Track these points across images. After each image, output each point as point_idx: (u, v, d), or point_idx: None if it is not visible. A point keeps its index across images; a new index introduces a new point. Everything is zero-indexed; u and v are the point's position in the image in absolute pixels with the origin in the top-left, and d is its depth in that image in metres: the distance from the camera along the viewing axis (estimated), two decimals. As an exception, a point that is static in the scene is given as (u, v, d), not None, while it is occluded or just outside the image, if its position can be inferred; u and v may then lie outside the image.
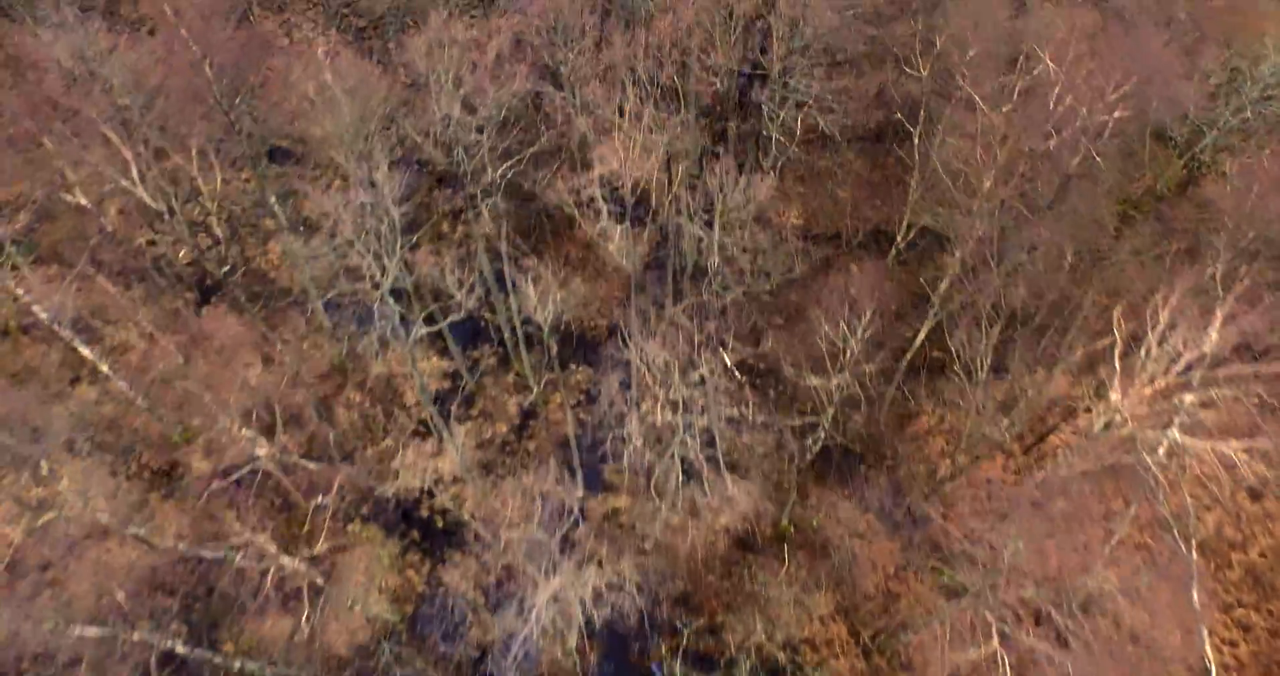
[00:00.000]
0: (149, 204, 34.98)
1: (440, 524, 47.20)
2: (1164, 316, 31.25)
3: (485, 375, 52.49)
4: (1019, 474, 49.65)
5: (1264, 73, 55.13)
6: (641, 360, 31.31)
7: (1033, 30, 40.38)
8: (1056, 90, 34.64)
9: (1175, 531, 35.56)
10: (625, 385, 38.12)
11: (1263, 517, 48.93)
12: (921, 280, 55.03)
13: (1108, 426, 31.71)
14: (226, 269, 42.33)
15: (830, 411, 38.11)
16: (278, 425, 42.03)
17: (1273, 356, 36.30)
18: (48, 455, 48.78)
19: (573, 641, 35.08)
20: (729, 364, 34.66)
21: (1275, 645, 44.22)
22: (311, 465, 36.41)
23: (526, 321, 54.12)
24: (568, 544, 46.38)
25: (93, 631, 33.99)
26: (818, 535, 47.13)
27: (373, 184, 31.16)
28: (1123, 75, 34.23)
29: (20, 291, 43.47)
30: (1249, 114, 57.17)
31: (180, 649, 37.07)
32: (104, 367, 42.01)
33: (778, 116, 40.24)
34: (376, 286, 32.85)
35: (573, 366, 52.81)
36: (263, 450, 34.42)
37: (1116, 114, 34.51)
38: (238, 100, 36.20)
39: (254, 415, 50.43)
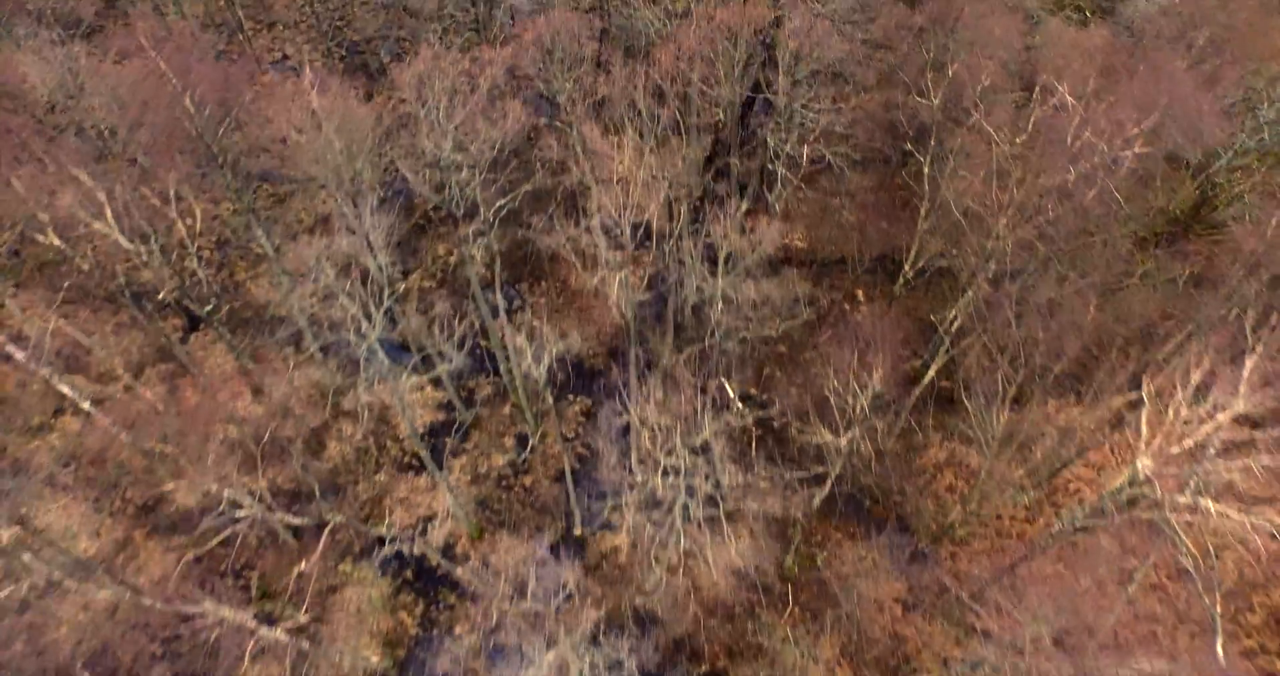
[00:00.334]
0: (125, 245, 33.54)
1: (435, 562, 45.71)
2: (1195, 375, 29.71)
3: (482, 406, 51.00)
4: (1030, 510, 48.26)
5: (1280, 94, 53.74)
6: (641, 421, 29.88)
7: (1049, 60, 38.78)
8: (1074, 124, 33.12)
9: (1199, 584, 34.11)
10: (625, 455, 36.64)
11: (1285, 558, 47.56)
12: (931, 313, 53.73)
13: (1132, 490, 30.13)
14: (209, 308, 40.83)
15: (838, 466, 36.63)
16: (263, 473, 40.39)
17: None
18: (28, 491, 47.50)
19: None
20: (733, 424, 33.16)
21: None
22: (295, 520, 34.90)
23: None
24: (566, 589, 45.13)
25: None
26: (822, 573, 45.71)
27: (353, 232, 29.72)
28: (1143, 110, 32.75)
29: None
30: (1266, 135, 55.78)
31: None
32: (85, 406, 40.47)
33: (783, 151, 38.76)
34: (362, 336, 31.38)
35: (571, 397, 51.36)
36: (244, 510, 32.89)
37: (1137, 149, 33.01)
38: (220, 132, 34.70)
39: (240, 449, 49.55)
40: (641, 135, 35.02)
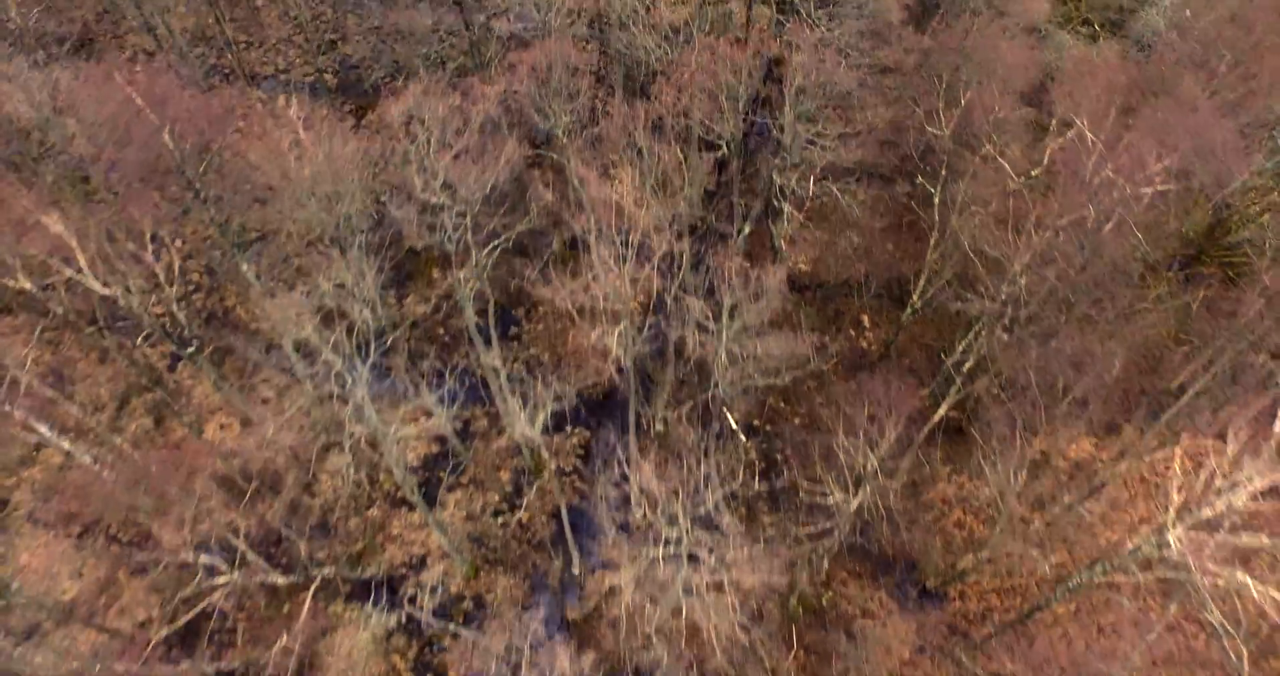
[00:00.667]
0: (100, 290, 32.17)
1: (429, 603, 44.34)
2: (1230, 449, 28.25)
3: (477, 438, 49.61)
4: (1042, 547, 46.87)
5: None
6: (640, 490, 28.48)
7: (1065, 90, 37.27)
8: (1093, 160, 31.72)
9: (1224, 642, 32.70)
10: (624, 504, 35.23)
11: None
12: (940, 341, 52.32)
13: (1158, 554, 28.63)
14: (191, 349, 39.44)
15: (846, 525, 35.24)
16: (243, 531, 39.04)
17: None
18: (9, 528, 46.11)
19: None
20: (738, 491, 31.78)
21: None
22: (280, 580, 33.51)
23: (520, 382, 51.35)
24: (563, 626, 43.77)
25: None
26: (828, 614, 44.38)
27: (341, 286, 28.37)
28: (1165, 145, 31.34)
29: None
30: (1282, 157, 54.46)
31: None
32: (65, 446, 39.05)
33: (788, 189, 37.33)
34: (345, 393, 30.01)
35: (569, 429, 49.96)
36: (222, 577, 31.46)
37: (1158, 186, 31.61)
38: (202, 169, 33.27)
39: (228, 484, 48.15)
40: (641, 174, 33.60)
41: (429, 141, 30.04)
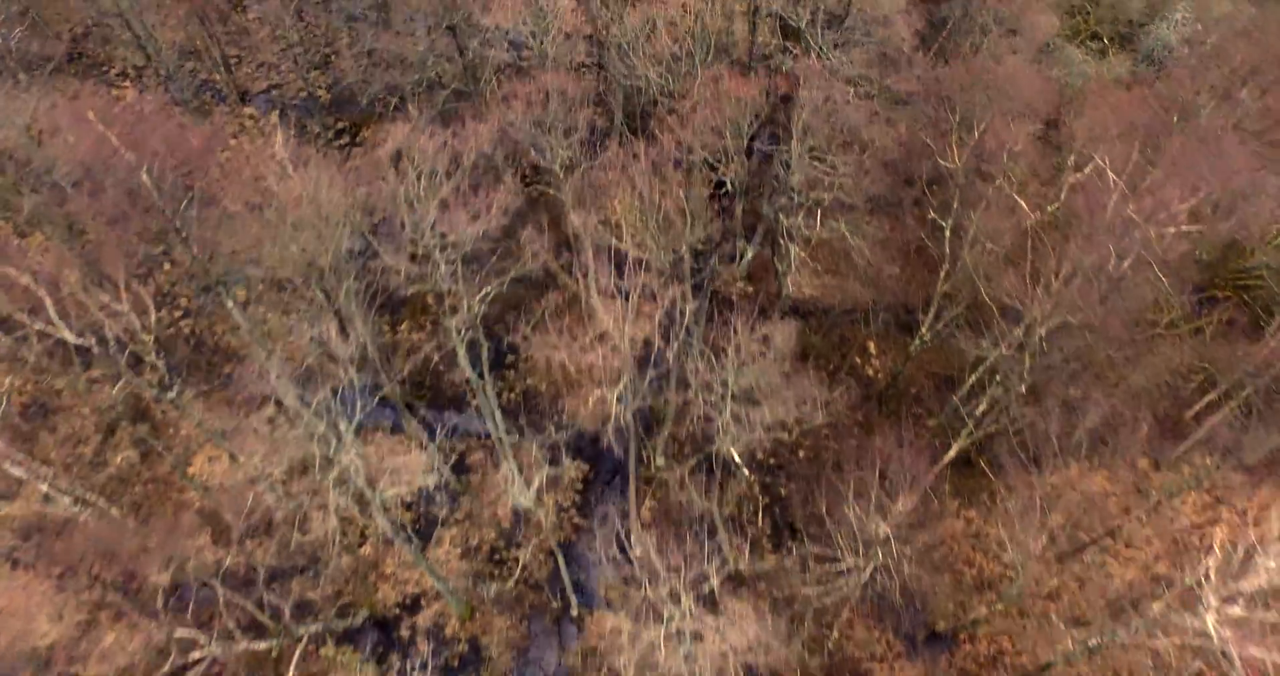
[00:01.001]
0: (71, 341, 30.83)
1: (423, 645, 42.95)
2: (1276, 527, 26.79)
3: (473, 472, 48.21)
4: (1056, 599, 45.39)
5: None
6: (640, 567, 27.13)
7: (1083, 123, 35.83)
8: (1114, 201, 30.34)
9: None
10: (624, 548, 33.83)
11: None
12: (949, 368, 50.93)
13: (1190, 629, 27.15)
14: (171, 395, 38.05)
15: (857, 589, 33.86)
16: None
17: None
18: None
19: None
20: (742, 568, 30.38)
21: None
22: (262, 644, 32.12)
23: (513, 412, 49.98)
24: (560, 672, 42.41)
25: None
26: (833, 658, 43.00)
27: (322, 346, 27.01)
28: (1190, 186, 29.95)
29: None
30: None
31: None
32: (43, 488, 37.67)
33: (796, 232, 35.95)
34: (331, 456, 28.65)
35: (567, 461, 48.51)
36: (199, 651, 29.99)
37: (1183, 227, 30.23)
38: (183, 205, 31.87)
39: (216, 521, 46.75)
40: (641, 214, 32.20)
41: (419, 180, 28.66)
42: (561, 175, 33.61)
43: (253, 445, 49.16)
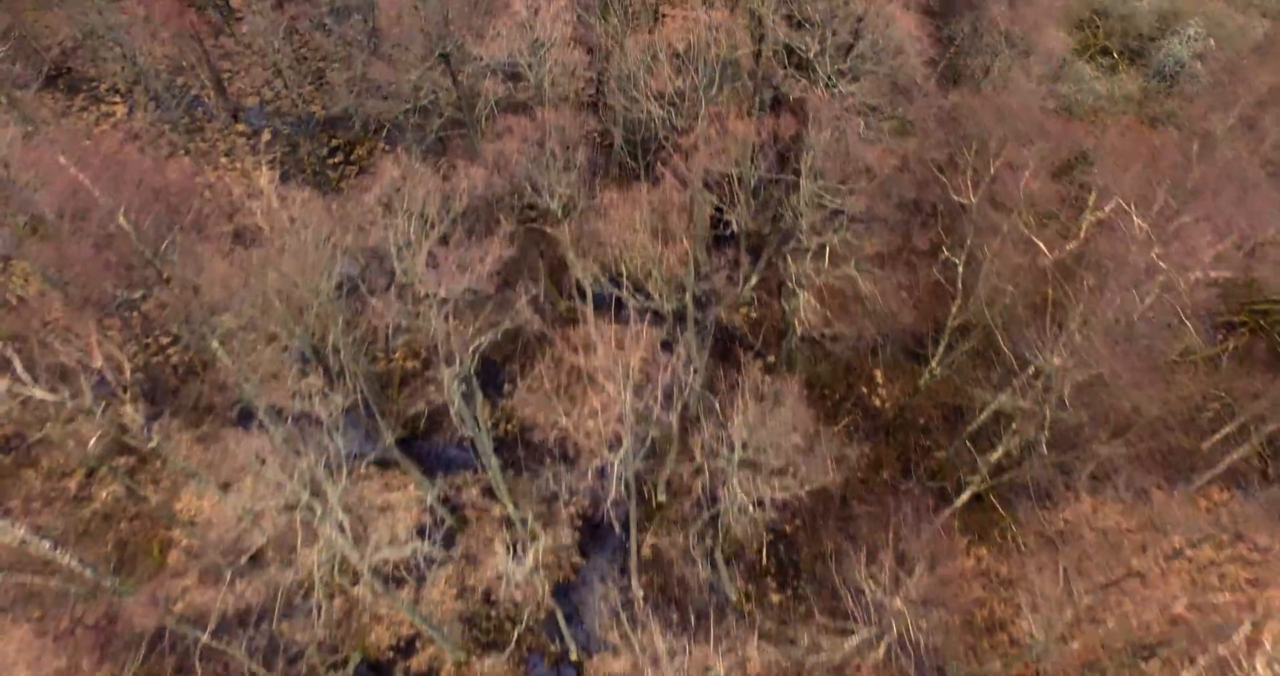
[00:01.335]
0: (43, 398, 29.47)
1: (415, 690, 41.62)
2: None
3: (468, 507, 46.83)
4: (1069, 627, 44.11)
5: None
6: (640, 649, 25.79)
7: (1103, 158, 34.42)
8: (1136, 245, 28.94)
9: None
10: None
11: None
12: (959, 398, 49.49)
13: None
14: (153, 444, 36.67)
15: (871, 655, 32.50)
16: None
17: None
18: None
19: None
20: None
21: None
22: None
23: (509, 444, 48.62)
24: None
25: None
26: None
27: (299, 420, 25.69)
28: (1219, 230, 28.58)
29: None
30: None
31: None
32: (19, 533, 36.28)
33: (805, 282, 34.54)
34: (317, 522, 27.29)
35: (565, 496, 47.12)
36: None
37: (1211, 273, 28.86)
38: (164, 247, 30.46)
39: (203, 559, 45.41)
40: (644, 267, 30.81)
41: (409, 224, 27.29)
42: (560, 214, 32.22)
43: (242, 479, 47.95)
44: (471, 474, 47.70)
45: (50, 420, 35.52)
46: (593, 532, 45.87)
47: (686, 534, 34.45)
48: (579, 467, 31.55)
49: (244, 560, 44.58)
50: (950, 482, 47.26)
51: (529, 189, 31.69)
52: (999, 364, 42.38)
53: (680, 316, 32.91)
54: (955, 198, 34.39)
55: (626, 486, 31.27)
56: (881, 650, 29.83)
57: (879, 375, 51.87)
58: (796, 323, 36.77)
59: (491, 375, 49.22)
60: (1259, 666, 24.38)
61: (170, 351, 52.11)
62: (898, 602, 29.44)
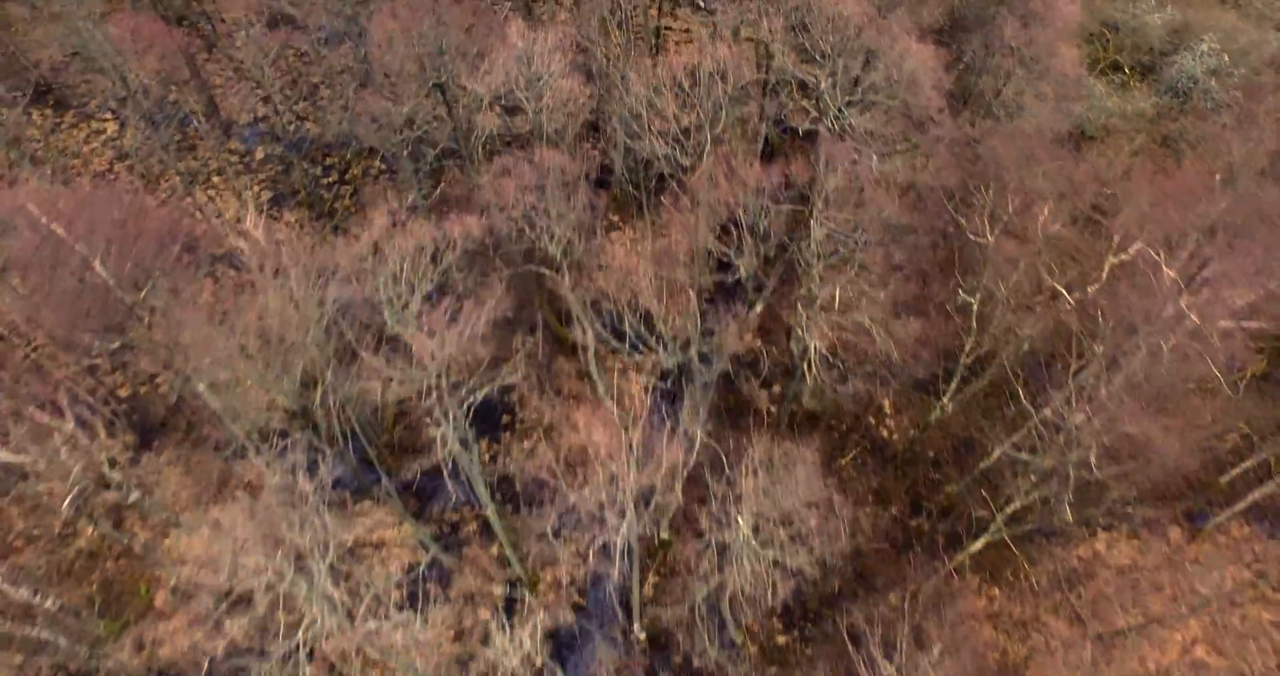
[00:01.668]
0: (13, 460, 28.18)
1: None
2: None
3: (466, 544, 45.48)
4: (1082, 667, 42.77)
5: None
6: None
7: (1128, 201, 32.90)
8: (1165, 293, 27.58)
9: None
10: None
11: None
12: (972, 430, 48.13)
13: None
14: (133, 499, 35.36)
15: None
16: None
17: None
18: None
19: None
20: None
21: None
22: None
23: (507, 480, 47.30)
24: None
25: None
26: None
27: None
28: (1246, 275, 27.23)
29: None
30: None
31: None
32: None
33: (816, 353, 33.12)
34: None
35: (565, 536, 45.75)
36: None
37: (1243, 324, 27.49)
38: (142, 295, 29.05)
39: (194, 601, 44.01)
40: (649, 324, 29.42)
41: (400, 274, 25.97)
42: (559, 256, 30.83)
43: (231, 515, 46.58)
44: (469, 508, 46.36)
45: (26, 478, 34.09)
46: (594, 581, 44.55)
47: (690, 603, 33.09)
48: (579, 511, 30.10)
49: (233, 602, 43.16)
50: (961, 521, 45.95)
51: (528, 230, 30.29)
52: (1013, 402, 41.00)
53: (685, 370, 31.58)
54: (972, 237, 33.01)
55: (629, 551, 29.95)
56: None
57: (887, 405, 50.50)
58: (807, 373, 35.32)
59: (489, 409, 47.82)
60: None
61: (159, 380, 50.72)
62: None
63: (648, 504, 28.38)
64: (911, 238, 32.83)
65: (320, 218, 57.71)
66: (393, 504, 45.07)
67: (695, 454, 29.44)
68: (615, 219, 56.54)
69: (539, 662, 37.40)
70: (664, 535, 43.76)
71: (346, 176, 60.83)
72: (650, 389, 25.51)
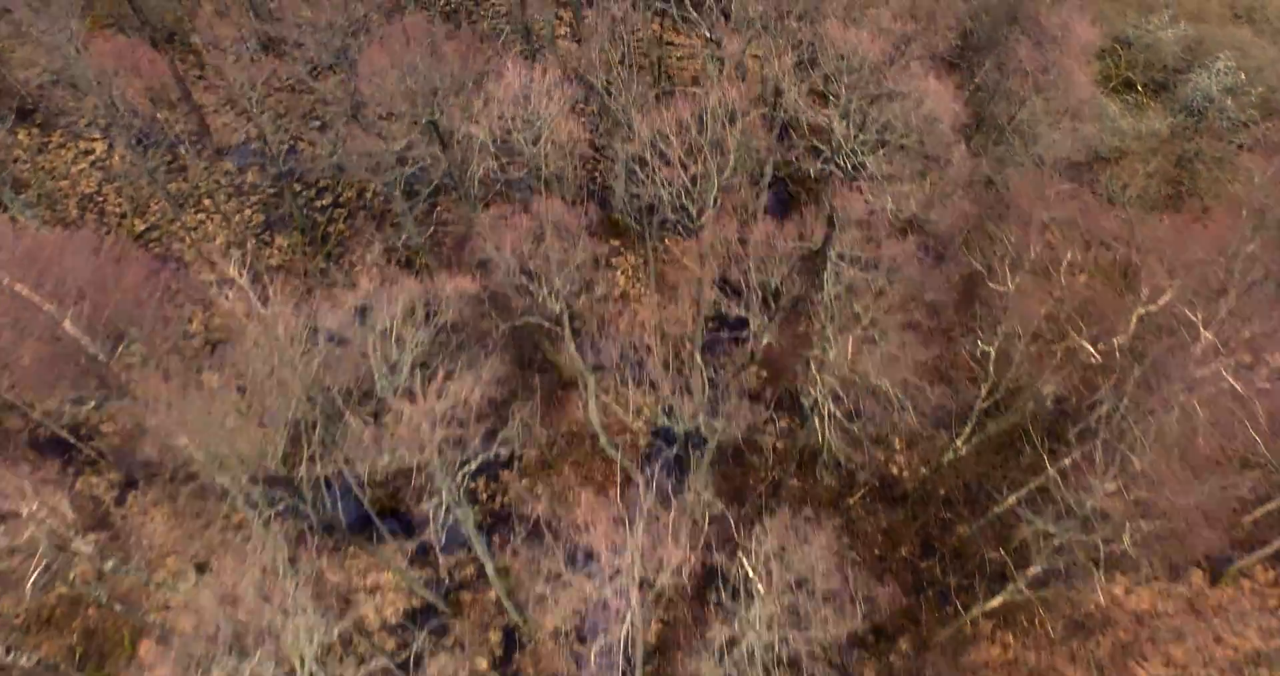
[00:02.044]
0: None
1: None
2: None
3: (462, 589, 43.98)
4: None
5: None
6: None
7: (1153, 250, 31.25)
8: (1197, 351, 26.07)
9: None
10: None
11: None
12: (987, 476, 46.56)
13: None
14: (107, 568, 33.89)
15: None
16: None
17: None
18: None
19: None
20: None
21: None
22: None
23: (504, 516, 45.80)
24: None
25: None
26: None
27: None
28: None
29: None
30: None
31: None
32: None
33: (833, 457, 31.41)
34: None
35: (564, 576, 44.20)
36: None
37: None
38: (118, 354, 27.49)
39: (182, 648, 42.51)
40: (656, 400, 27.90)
41: (391, 333, 24.47)
42: (558, 310, 29.25)
43: (220, 558, 45.12)
44: (466, 552, 44.82)
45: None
46: (593, 630, 42.97)
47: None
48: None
49: (223, 651, 41.67)
50: (974, 561, 44.46)
51: (526, 281, 28.75)
52: (1029, 444, 39.49)
53: (691, 439, 30.11)
54: (991, 285, 31.49)
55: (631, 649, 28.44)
56: None
57: (898, 441, 48.95)
58: (822, 436, 33.68)
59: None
60: None
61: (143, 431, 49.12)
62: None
63: (652, 585, 26.92)
64: (930, 294, 31.30)
65: (313, 244, 56.17)
66: (379, 553, 43.59)
67: (701, 541, 27.90)
68: (616, 243, 55.06)
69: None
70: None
71: (340, 199, 59.28)
72: (653, 456, 24.13)
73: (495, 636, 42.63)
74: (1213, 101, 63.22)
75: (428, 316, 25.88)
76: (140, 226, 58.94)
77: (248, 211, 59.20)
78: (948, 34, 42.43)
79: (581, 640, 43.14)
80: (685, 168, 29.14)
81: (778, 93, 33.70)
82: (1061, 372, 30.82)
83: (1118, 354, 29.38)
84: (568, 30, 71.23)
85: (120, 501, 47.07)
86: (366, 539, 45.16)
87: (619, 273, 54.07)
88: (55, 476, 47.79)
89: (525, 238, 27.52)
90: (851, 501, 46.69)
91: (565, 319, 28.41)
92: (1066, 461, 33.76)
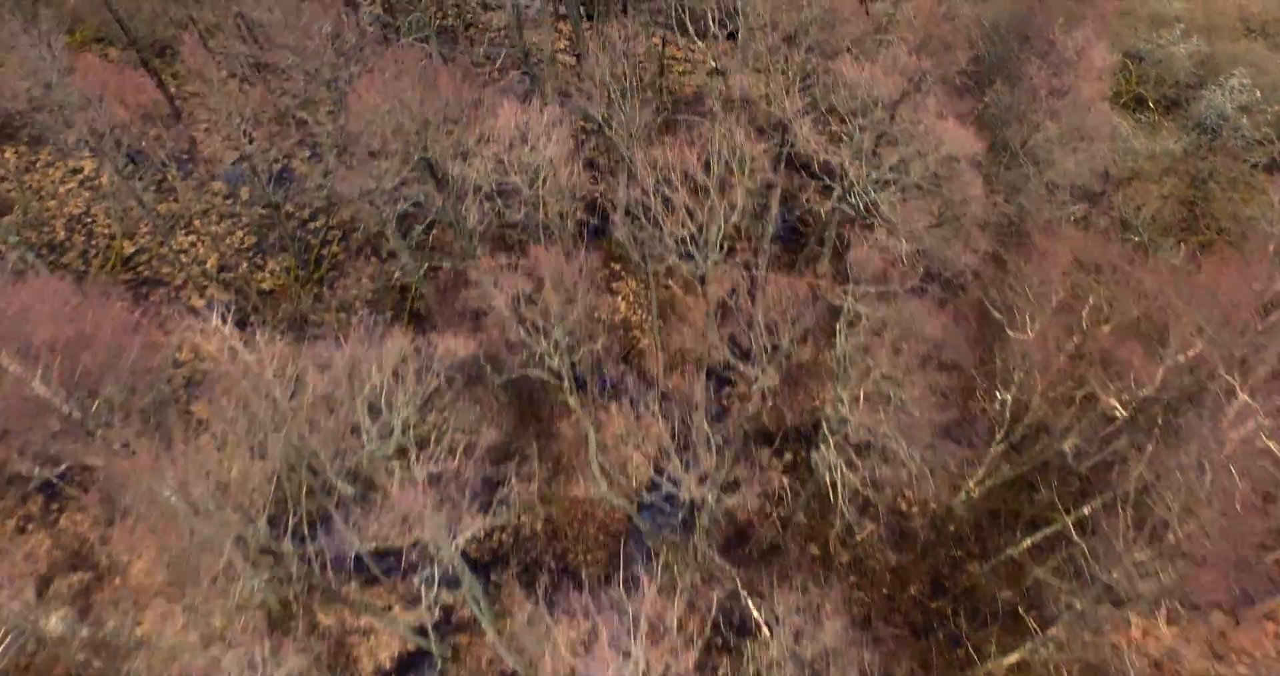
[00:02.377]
0: None
1: None
2: None
3: (462, 630, 42.64)
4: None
5: None
6: None
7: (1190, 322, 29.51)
8: (1233, 413, 24.76)
9: None
10: None
11: None
12: (1003, 506, 45.24)
13: None
14: (89, 630, 32.49)
15: None
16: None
17: None
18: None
19: None
20: None
21: None
22: None
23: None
24: None
25: None
26: None
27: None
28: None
29: None
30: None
31: None
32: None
33: (849, 521, 30.18)
34: None
35: (564, 618, 42.84)
36: None
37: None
38: (94, 409, 26.12)
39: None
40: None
41: (380, 391, 23.16)
42: (558, 364, 27.91)
43: (208, 599, 43.79)
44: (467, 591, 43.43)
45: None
46: None
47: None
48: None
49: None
50: (985, 602, 43.14)
51: (524, 335, 27.43)
52: (1046, 487, 38.12)
53: (698, 509, 28.75)
54: (1010, 333, 30.15)
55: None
56: None
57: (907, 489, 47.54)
58: (839, 516, 32.33)
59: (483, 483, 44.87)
60: None
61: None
62: None
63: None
64: (948, 351, 29.95)
65: (305, 267, 54.79)
66: (370, 606, 42.26)
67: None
68: (616, 267, 53.70)
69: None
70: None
71: (334, 221, 57.95)
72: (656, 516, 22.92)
73: (493, 681, 41.33)
74: (1227, 119, 61.84)
75: (419, 375, 24.62)
76: (129, 249, 57.59)
77: (239, 233, 57.85)
78: (960, 58, 41.07)
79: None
80: (691, 215, 27.76)
81: (784, 128, 32.39)
82: (1081, 423, 29.50)
83: (1139, 409, 28.08)
84: (567, 43, 69.84)
85: (105, 540, 45.65)
86: (362, 580, 43.91)
87: (620, 299, 52.73)
88: (37, 513, 46.89)
89: (522, 293, 26.22)
90: (858, 538, 45.38)
91: (569, 374, 27.13)
92: (1086, 510, 32.39)
